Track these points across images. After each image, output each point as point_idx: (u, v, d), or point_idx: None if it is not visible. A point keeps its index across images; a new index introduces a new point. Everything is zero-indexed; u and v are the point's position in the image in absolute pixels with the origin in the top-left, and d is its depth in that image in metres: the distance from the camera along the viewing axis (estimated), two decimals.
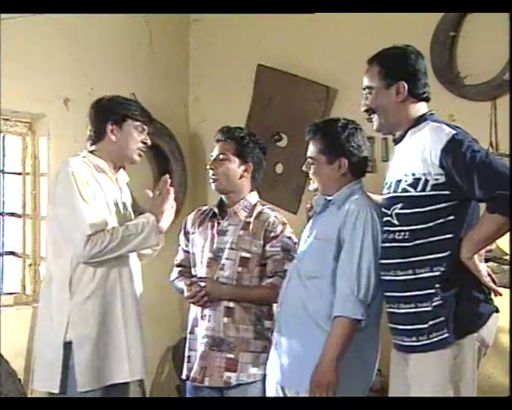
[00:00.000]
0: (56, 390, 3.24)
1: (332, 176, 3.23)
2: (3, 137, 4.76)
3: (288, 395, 3.19)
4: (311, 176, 3.30)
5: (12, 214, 4.81)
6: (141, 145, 3.45)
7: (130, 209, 3.53)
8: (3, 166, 4.77)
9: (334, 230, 3.15)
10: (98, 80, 4.84)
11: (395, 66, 3.01)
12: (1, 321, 4.29)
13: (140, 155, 3.48)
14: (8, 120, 4.70)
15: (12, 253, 4.81)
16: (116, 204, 3.42)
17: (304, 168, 3.32)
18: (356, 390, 3.13)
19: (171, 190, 3.41)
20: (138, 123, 3.44)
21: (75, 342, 3.24)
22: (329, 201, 3.25)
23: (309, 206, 3.47)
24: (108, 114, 3.41)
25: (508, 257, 3.78)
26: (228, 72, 5.34)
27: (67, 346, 3.24)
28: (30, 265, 4.76)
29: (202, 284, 3.53)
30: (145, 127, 3.46)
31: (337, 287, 3.09)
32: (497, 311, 2.93)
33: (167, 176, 3.45)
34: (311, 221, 3.36)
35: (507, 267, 3.63)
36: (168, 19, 5.28)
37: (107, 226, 3.28)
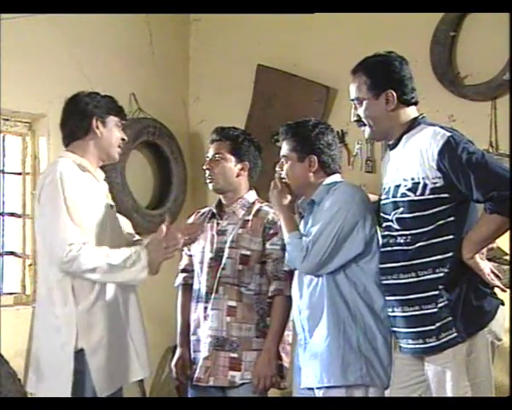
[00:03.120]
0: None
1: (303, 174, 3.29)
2: (3, 137, 4.76)
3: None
4: (283, 175, 3.35)
5: (12, 214, 4.81)
6: (120, 142, 3.40)
7: (114, 206, 3.47)
8: (3, 166, 4.76)
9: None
10: (98, 80, 4.83)
11: (381, 75, 3.01)
12: (1, 321, 4.29)
13: (118, 153, 3.41)
14: (8, 120, 4.70)
15: (12, 253, 4.80)
16: (101, 203, 3.34)
17: (277, 168, 3.37)
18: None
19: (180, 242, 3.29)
20: (118, 118, 3.39)
21: (87, 350, 3.18)
22: (312, 201, 3.29)
23: (297, 204, 3.49)
24: (93, 108, 3.33)
25: (508, 257, 3.78)
26: (228, 72, 5.34)
27: (79, 354, 3.18)
28: (30, 265, 4.76)
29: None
30: (123, 123, 3.43)
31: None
32: (503, 303, 2.95)
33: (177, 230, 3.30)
34: (301, 225, 3.38)
35: (507, 267, 3.63)
36: (168, 19, 5.28)
37: (88, 237, 3.17)
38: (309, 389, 3.24)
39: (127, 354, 3.31)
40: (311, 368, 3.22)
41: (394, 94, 2.98)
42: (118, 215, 3.50)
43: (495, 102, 4.30)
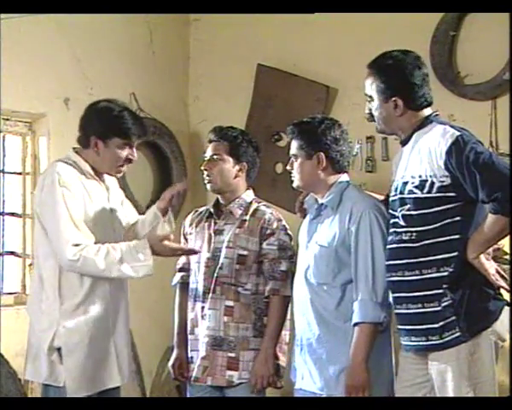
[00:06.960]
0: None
1: (312, 171, 3.29)
2: (3, 137, 4.76)
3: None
4: (293, 174, 3.36)
5: (12, 214, 4.81)
6: (123, 162, 3.35)
7: (119, 209, 3.48)
8: (3, 166, 4.77)
9: (337, 236, 3.19)
10: (98, 80, 4.84)
11: (390, 81, 2.99)
12: (1, 321, 4.29)
13: (121, 171, 3.39)
14: (8, 119, 4.70)
15: (12, 253, 4.81)
16: (103, 207, 3.36)
17: (287, 167, 3.38)
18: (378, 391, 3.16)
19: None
20: (125, 141, 3.31)
21: (64, 349, 3.21)
22: (321, 204, 3.27)
23: (300, 200, 3.48)
24: (94, 126, 3.29)
25: (508, 257, 3.78)
26: (228, 72, 5.34)
27: (59, 350, 3.22)
28: (30, 265, 4.75)
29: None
30: (133, 143, 3.35)
31: (355, 293, 3.15)
32: (508, 304, 2.95)
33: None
34: (306, 224, 3.38)
35: (507, 267, 3.63)
36: (168, 19, 5.28)
37: (90, 237, 3.20)
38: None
39: (107, 360, 3.31)
40: (308, 372, 3.24)
41: (401, 102, 2.98)
42: (126, 208, 3.53)
43: (495, 102, 4.30)
